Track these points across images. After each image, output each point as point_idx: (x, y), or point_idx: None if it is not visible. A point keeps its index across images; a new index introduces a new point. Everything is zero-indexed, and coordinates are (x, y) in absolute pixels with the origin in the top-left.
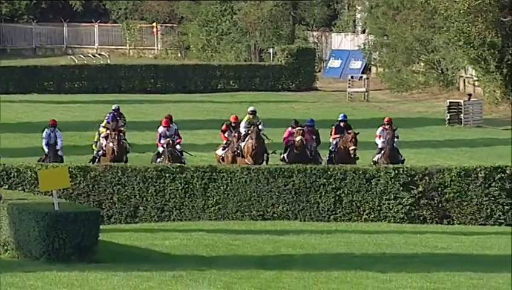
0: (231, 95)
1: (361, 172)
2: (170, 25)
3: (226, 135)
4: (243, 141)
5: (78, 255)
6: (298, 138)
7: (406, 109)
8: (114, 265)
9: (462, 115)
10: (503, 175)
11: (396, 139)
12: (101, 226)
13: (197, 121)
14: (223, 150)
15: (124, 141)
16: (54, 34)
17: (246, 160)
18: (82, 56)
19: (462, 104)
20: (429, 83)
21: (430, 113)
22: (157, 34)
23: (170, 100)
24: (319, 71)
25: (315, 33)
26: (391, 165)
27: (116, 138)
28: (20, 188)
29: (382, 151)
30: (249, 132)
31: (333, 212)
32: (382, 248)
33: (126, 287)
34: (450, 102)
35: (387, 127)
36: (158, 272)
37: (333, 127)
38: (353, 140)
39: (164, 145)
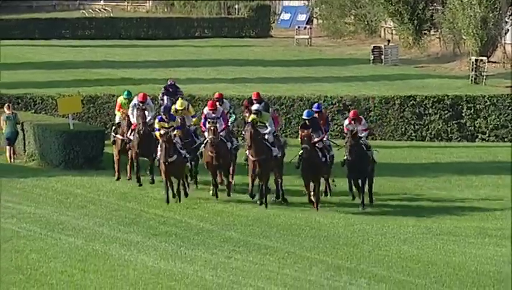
0: (206, 41)
1: (305, 98)
2: None
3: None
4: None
5: (88, 163)
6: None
7: (340, 52)
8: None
9: (382, 56)
10: (414, 102)
11: (363, 133)
12: (105, 142)
13: (180, 60)
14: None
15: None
16: None
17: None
18: (91, 10)
19: (383, 47)
20: (357, 32)
21: (358, 55)
22: None
23: (158, 45)
24: (273, 22)
25: None
26: (329, 94)
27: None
28: (43, 112)
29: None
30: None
31: (284, 131)
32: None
33: (124, 188)
34: (374, 46)
35: (352, 121)
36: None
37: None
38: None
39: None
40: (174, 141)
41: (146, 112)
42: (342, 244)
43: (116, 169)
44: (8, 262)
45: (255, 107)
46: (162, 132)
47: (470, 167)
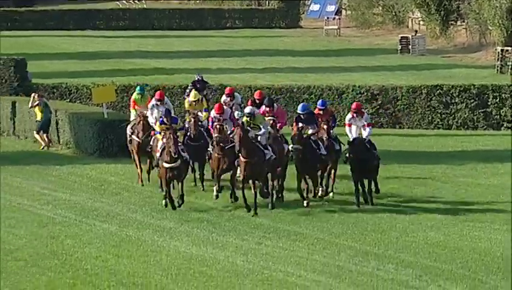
0: (236, 32)
1: (334, 88)
2: None
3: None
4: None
5: (122, 151)
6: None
7: (368, 42)
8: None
9: (410, 46)
10: (441, 91)
11: (366, 130)
12: None
13: (211, 51)
14: None
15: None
16: None
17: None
18: (125, 1)
19: (410, 38)
20: (385, 22)
21: (386, 45)
22: None
23: (190, 35)
24: (303, 13)
25: None
26: (357, 83)
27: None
28: (78, 101)
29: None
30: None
31: None
32: None
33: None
34: (401, 36)
35: (354, 114)
36: None
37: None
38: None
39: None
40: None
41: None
42: (370, 230)
43: (138, 171)
44: (43, 248)
45: (247, 110)
46: (164, 132)
47: (496, 154)
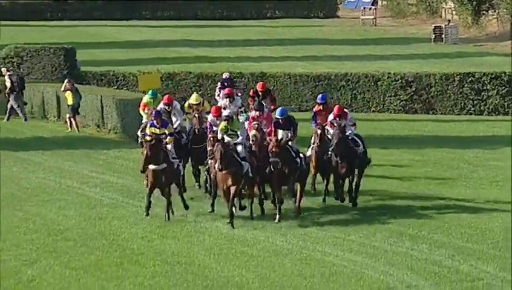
0: (276, 21)
1: (370, 75)
2: None
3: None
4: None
5: None
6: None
7: (403, 31)
8: None
9: (443, 35)
10: (473, 78)
11: (350, 129)
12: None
13: (252, 40)
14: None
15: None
16: None
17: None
18: None
19: (443, 27)
20: (419, 12)
21: (420, 34)
22: None
23: (232, 25)
24: (340, 4)
25: None
26: (392, 71)
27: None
28: (125, 88)
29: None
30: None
31: (350, 106)
32: (385, 132)
33: None
34: (435, 26)
35: (337, 118)
36: None
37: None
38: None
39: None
40: (166, 148)
41: (173, 118)
42: (403, 212)
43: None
44: (92, 228)
45: (225, 113)
46: (149, 138)
47: None
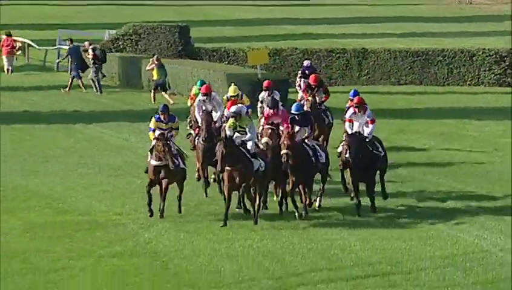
0: (377, 0)
1: (466, 51)
2: None
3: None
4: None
5: None
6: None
7: (498, 9)
8: None
9: None
10: None
11: (369, 127)
12: (288, 90)
13: (353, 18)
14: None
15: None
16: None
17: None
18: None
19: None
20: None
21: None
22: None
23: (333, 3)
24: None
25: None
26: (487, 47)
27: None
28: (235, 64)
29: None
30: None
31: (446, 80)
32: (479, 103)
33: None
34: None
35: (356, 109)
36: None
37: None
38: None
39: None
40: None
41: (213, 112)
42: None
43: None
44: (203, 195)
45: (233, 108)
46: (157, 133)
47: None
